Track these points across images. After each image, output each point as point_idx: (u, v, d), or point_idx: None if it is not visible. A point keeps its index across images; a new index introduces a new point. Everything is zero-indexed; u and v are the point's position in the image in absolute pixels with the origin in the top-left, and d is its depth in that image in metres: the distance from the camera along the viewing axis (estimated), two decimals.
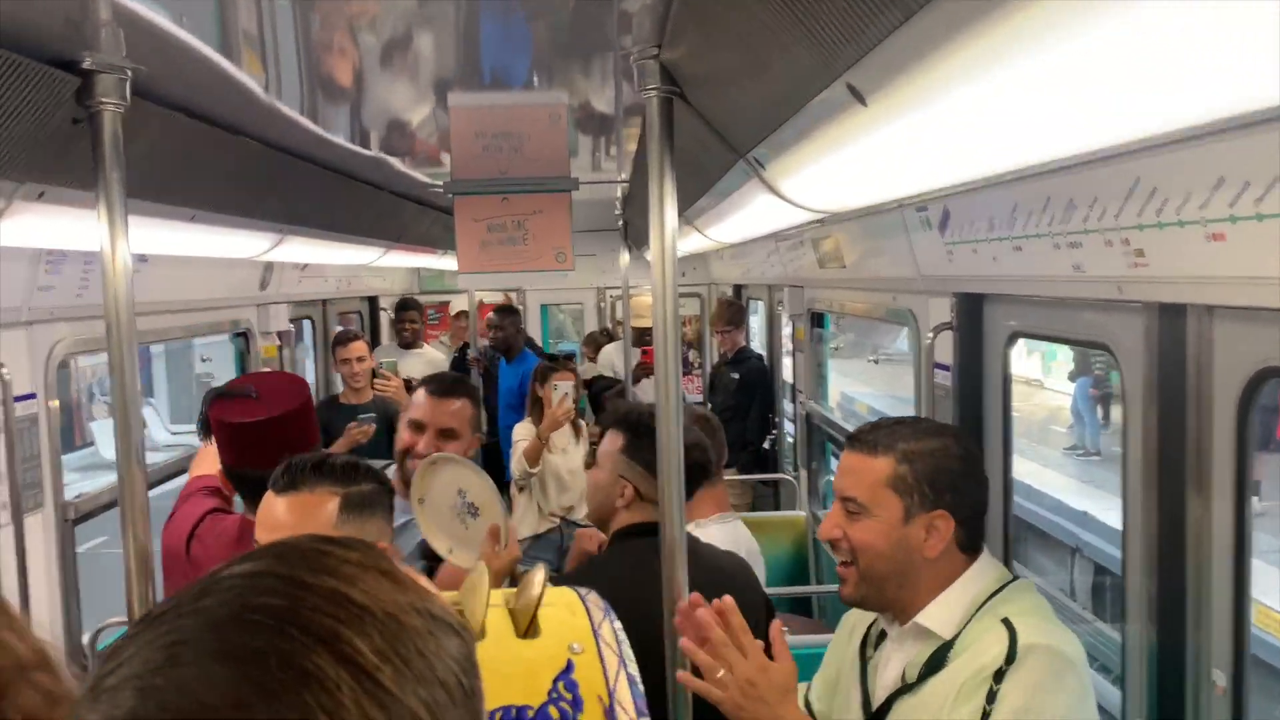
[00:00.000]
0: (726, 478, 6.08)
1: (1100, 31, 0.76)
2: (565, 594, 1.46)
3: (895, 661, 1.79)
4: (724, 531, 2.95)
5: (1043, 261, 2.27)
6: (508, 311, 6.93)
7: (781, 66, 1.34)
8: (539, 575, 1.35)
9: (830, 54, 1.12)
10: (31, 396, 3.09)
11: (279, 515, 1.79)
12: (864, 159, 1.41)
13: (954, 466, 1.73)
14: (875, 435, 1.77)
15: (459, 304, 8.22)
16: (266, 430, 2.15)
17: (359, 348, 5.25)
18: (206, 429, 2.49)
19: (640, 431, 2.35)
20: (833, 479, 2.06)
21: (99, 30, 1.81)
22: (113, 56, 1.85)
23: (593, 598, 1.47)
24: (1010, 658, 1.60)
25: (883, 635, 1.85)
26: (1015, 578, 1.78)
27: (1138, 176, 1.78)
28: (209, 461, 2.66)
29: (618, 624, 1.43)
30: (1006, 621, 1.64)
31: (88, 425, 15.93)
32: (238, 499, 2.57)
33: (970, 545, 1.75)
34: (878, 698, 1.79)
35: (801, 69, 1.26)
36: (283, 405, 2.18)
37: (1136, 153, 1.66)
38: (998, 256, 2.51)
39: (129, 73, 1.89)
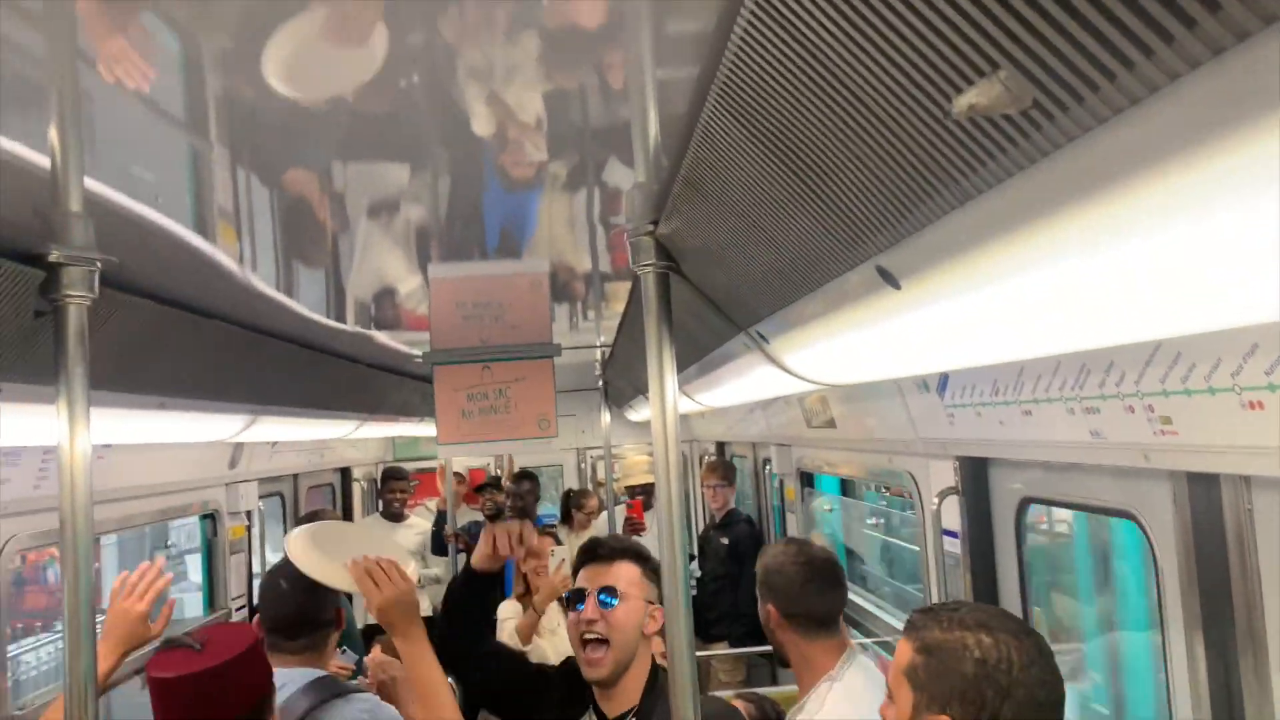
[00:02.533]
0: (716, 652, 5.84)
1: (1151, 235, 0.68)
2: None
3: None
4: (862, 679, 2.42)
5: (1056, 427, 2.17)
6: (527, 477, 6.75)
7: (796, 245, 1.26)
8: None
9: (860, 235, 1.04)
10: None
11: None
12: (890, 340, 1.32)
13: (966, 669, 1.51)
14: (920, 619, 1.64)
15: (455, 466, 8.00)
16: (202, 685, 1.85)
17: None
18: None
19: (649, 555, 2.36)
20: None
21: (68, 221, 1.73)
22: (82, 249, 1.76)
23: None
24: None
25: None
26: None
27: (1158, 342, 1.71)
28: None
29: None
30: None
31: None
32: None
33: None
34: None
35: (822, 249, 1.18)
36: (224, 654, 1.89)
37: None
38: (1004, 420, 2.42)
39: (98, 264, 1.79)
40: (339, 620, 2.53)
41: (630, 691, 2.26)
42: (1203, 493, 1.92)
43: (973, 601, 1.99)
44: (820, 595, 2.45)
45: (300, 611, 2.41)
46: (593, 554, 2.36)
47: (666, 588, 1.85)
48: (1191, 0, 0.49)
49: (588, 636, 2.22)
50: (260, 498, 5.28)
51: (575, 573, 2.40)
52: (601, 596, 2.25)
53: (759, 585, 2.55)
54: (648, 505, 6.22)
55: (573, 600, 2.29)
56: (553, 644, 4.44)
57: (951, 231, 0.88)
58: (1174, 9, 0.50)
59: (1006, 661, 1.49)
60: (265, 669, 2.01)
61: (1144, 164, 0.62)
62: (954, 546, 2.93)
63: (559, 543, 4.80)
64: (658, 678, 2.32)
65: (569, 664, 2.38)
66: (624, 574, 2.29)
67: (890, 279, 1.07)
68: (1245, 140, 0.54)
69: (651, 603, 2.30)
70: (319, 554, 2.38)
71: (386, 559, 2.35)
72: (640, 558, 2.36)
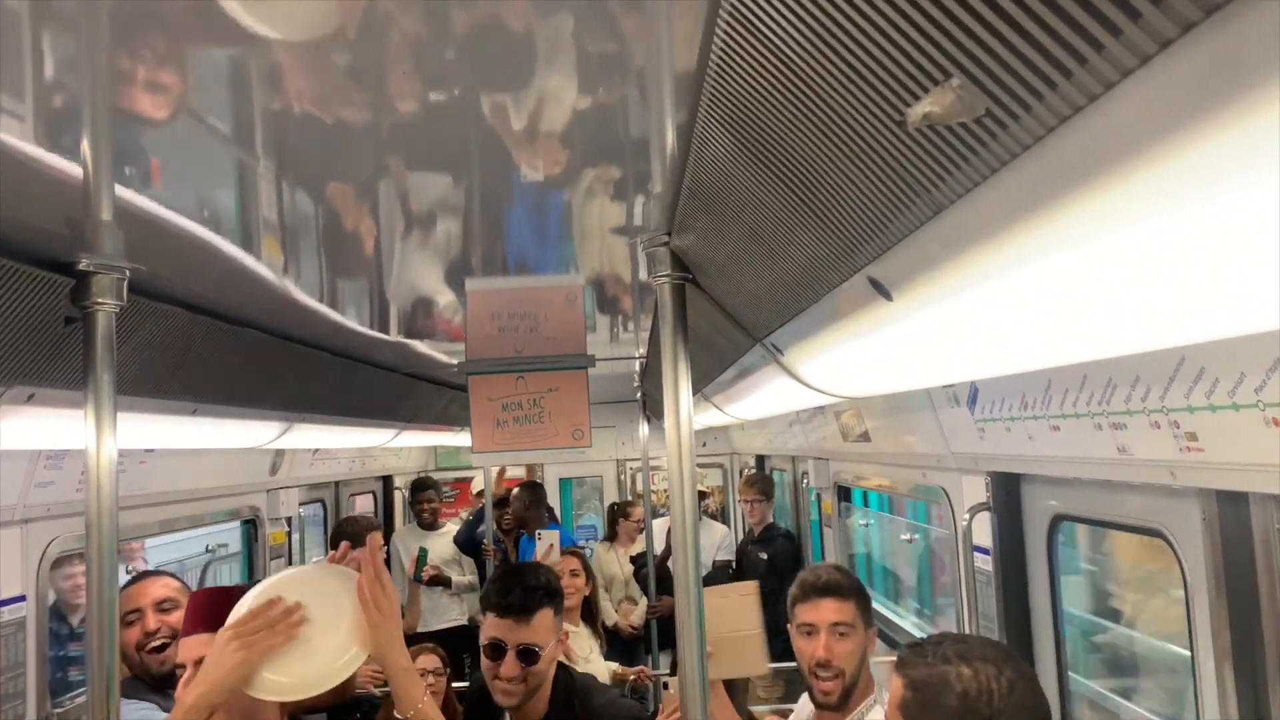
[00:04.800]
0: None
1: (1146, 232, 0.67)
2: None
3: None
4: None
5: (1084, 442, 2.13)
6: (529, 487, 6.79)
7: (796, 256, 1.26)
8: None
9: (850, 247, 1.03)
10: (20, 600, 2.95)
11: None
12: (888, 350, 1.31)
13: (950, 702, 1.53)
14: (908, 654, 1.64)
15: (480, 483, 8.06)
16: None
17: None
18: None
19: (557, 589, 2.36)
20: None
21: (99, 230, 1.78)
22: (111, 257, 1.81)
23: None
24: None
25: None
26: None
27: (1182, 356, 1.67)
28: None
29: None
30: None
31: None
32: None
33: None
34: None
35: (818, 260, 1.17)
36: None
37: None
38: (1033, 435, 2.38)
39: (127, 272, 1.84)
40: None
41: (540, 701, 2.29)
42: (1231, 511, 1.87)
43: (957, 632, 1.96)
44: None
45: None
46: (505, 607, 2.26)
47: (679, 597, 1.85)
48: (1112, 16, 0.48)
49: (505, 688, 2.22)
50: (301, 504, 5.36)
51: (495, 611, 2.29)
52: (521, 655, 2.22)
53: (868, 610, 2.33)
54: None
55: (487, 650, 2.25)
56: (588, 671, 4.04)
57: (931, 241, 0.88)
58: (1101, 21, 0.49)
59: (987, 692, 1.51)
60: None
61: (1104, 164, 0.61)
62: (985, 564, 2.88)
63: (587, 570, 4.36)
64: (570, 678, 2.36)
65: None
66: (542, 625, 2.26)
67: (882, 290, 1.06)
68: (1204, 131, 0.53)
69: (559, 632, 2.31)
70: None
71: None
72: (550, 596, 2.31)
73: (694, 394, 1.86)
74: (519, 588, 2.29)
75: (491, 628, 2.27)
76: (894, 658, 2.29)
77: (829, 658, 2.23)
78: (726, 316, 1.99)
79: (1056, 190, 0.66)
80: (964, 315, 0.97)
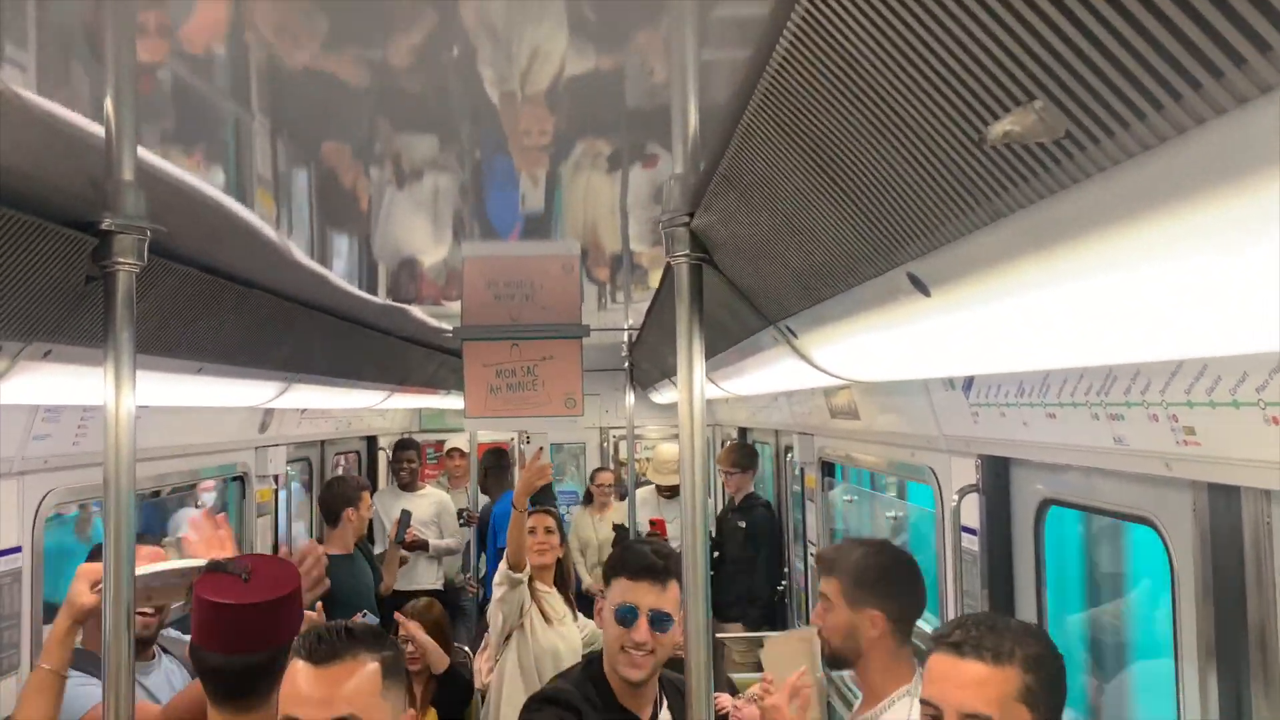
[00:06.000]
0: (731, 634, 5.89)
1: (1173, 262, 0.71)
2: None
3: None
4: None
5: (1080, 431, 2.18)
6: (492, 453, 6.93)
7: (830, 247, 1.29)
8: None
9: (893, 244, 1.07)
10: (16, 551, 2.95)
11: (320, 687, 1.68)
12: (917, 343, 1.35)
13: (1059, 674, 1.62)
14: (995, 641, 1.62)
15: (454, 442, 8.08)
16: (251, 615, 1.95)
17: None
18: None
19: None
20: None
21: (120, 190, 1.78)
22: (133, 218, 1.82)
23: None
24: None
25: None
26: None
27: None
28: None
29: None
30: None
31: None
32: None
33: None
34: None
35: (855, 253, 1.20)
36: (272, 592, 1.98)
37: None
38: (1028, 422, 2.43)
39: (148, 233, 1.85)
40: None
41: (652, 688, 2.31)
42: (1223, 503, 1.93)
43: (990, 612, 2.02)
44: (921, 600, 2.46)
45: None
46: (646, 568, 2.28)
47: (687, 571, 1.90)
48: (1213, 56, 0.51)
49: (635, 654, 2.22)
50: (288, 463, 5.37)
51: (609, 576, 2.37)
52: (654, 621, 2.23)
53: (856, 588, 2.35)
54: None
55: (620, 618, 2.26)
56: (561, 634, 3.84)
57: (982, 245, 0.91)
58: (1199, 60, 0.52)
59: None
60: (300, 613, 2.08)
61: (1170, 198, 0.64)
62: (971, 544, 2.94)
63: (561, 531, 4.13)
64: (661, 674, 2.36)
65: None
66: (674, 596, 2.27)
67: (921, 286, 1.09)
68: (1263, 185, 0.56)
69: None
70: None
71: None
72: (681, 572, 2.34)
73: None
74: (653, 552, 2.33)
75: (623, 592, 2.27)
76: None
77: (815, 622, 2.44)
78: (740, 297, 2.02)
79: (1124, 211, 0.70)
80: (1003, 317, 1.00)
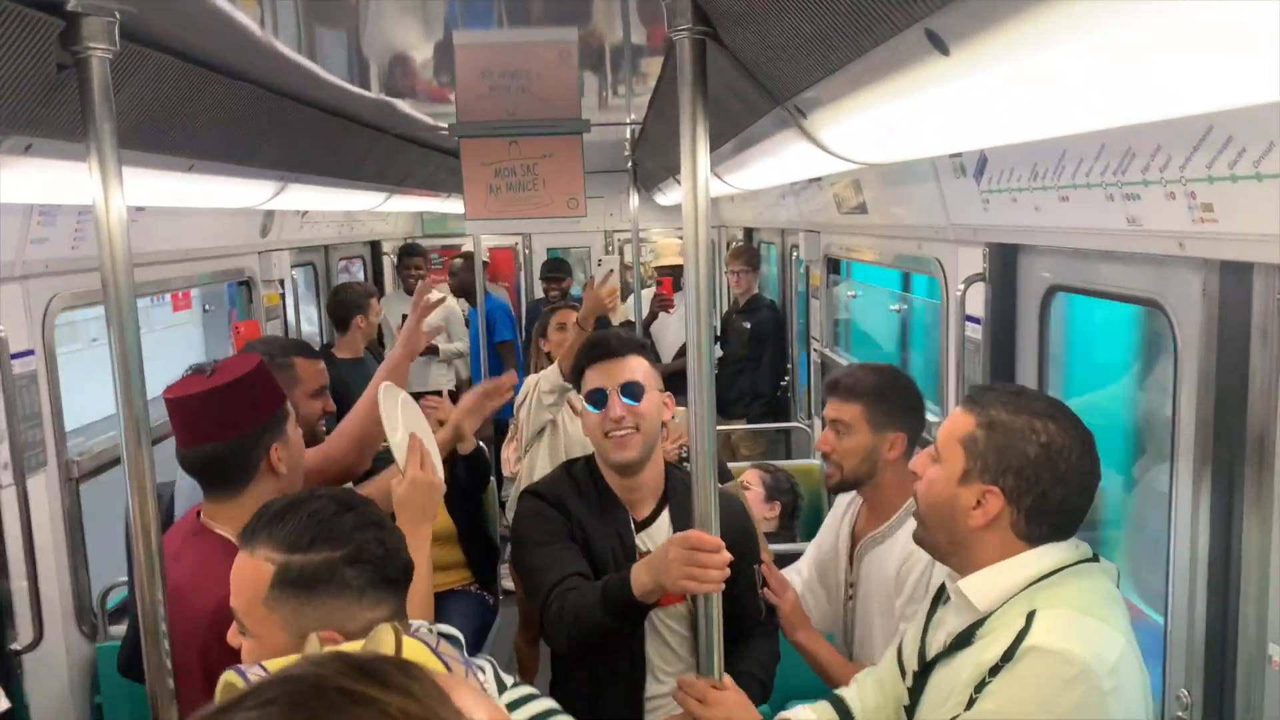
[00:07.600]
0: (735, 427, 6.06)
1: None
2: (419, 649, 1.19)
3: (947, 624, 1.73)
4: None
5: (1092, 213, 2.13)
6: (468, 258, 6.92)
7: (842, 5, 1.20)
8: (388, 636, 1.07)
9: None
10: (29, 354, 2.99)
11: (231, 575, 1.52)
12: (934, 112, 1.28)
13: (1030, 451, 1.60)
14: (981, 395, 1.70)
15: (469, 246, 8.02)
16: (209, 402, 1.99)
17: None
18: None
19: (647, 343, 2.52)
20: None
21: None
22: None
23: (445, 647, 1.34)
24: (1008, 655, 1.49)
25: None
26: (1086, 559, 1.64)
27: (1210, 125, 1.65)
28: None
29: (479, 678, 1.38)
30: (1031, 614, 1.52)
31: None
32: None
33: (1030, 535, 1.62)
34: (929, 654, 1.74)
35: (869, 9, 1.12)
36: (220, 379, 2.01)
37: None
38: (1040, 206, 2.38)
39: (117, 15, 1.74)
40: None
41: (652, 486, 2.33)
42: (1233, 283, 1.91)
43: (1032, 389, 2.00)
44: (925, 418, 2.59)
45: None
46: (604, 350, 2.31)
47: (691, 366, 1.89)
48: None
49: (616, 434, 2.23)
50: (293, 267, 5.36)
51: (577, 372, 2.37)
52: (624, 393, 2.24)
53: (877, 412, 2.39)
54: (677, 285, 6.24)
55: (593, 401, 2.26)
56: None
57: None
58: None
59: (1067, 450, 1.59)
60: (273, 387, 2.13)
61: None
62: (975, 333, 2.96)
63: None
64: (672, 476, 2.37)
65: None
66: (639, 366, 2.28)
67: (939, 43, 1.02)
68: None
69: (661, 389, 2.33)
70: (400, 413, 2.24)
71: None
72: (644, 349, 2.36)
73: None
74: (610, 336, 2.38)
75: (589, 381, 2.29)
76: None
77: (824, 449, 2.46)
78: (746, 76, 1.92)
79: None
80: (1026, 74, 0.94)
